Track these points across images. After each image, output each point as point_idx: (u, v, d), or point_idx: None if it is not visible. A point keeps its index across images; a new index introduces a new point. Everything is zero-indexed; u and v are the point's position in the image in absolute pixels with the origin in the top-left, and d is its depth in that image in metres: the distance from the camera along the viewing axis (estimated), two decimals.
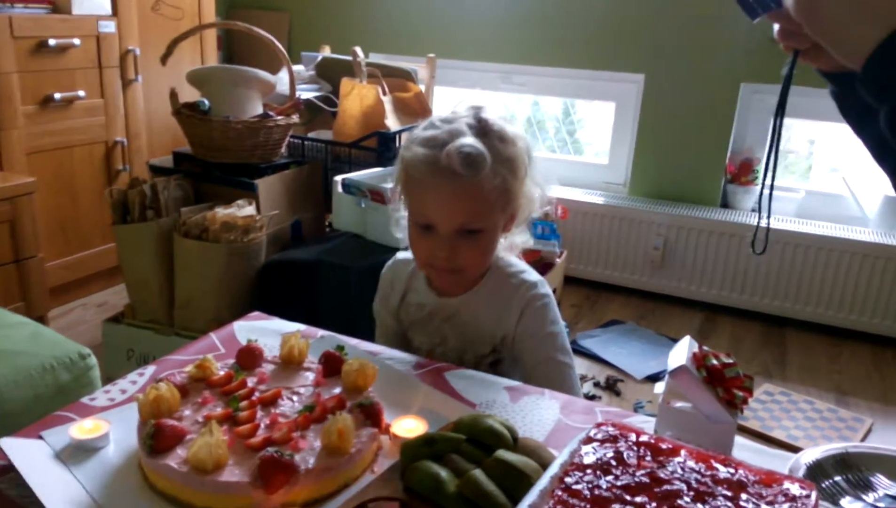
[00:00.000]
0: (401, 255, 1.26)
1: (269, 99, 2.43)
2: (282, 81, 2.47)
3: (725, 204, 3.07)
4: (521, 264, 1.20)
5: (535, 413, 0.93)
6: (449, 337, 1.18)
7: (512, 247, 1.21)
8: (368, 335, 1.20)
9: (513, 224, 1.16)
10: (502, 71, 3.34)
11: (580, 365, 2.50)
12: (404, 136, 1.10)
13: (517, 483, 0.69)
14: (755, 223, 2.90)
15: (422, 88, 2.68)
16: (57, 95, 2.52)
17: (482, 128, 1.08)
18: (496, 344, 1.17)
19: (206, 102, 2.19)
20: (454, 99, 3.51)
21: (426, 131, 1.09)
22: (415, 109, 2.63)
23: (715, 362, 0.81)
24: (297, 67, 2.67)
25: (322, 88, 2.74)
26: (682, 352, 0.81)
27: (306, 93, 2.63)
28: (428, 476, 0.69)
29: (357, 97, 2.48)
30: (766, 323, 2.89)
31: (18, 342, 1.30)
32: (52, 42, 2.47)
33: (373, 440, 0.79)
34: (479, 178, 1.03)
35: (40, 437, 0.82)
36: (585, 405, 0.97)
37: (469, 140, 1.04)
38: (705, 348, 0.84)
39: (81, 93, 2.61)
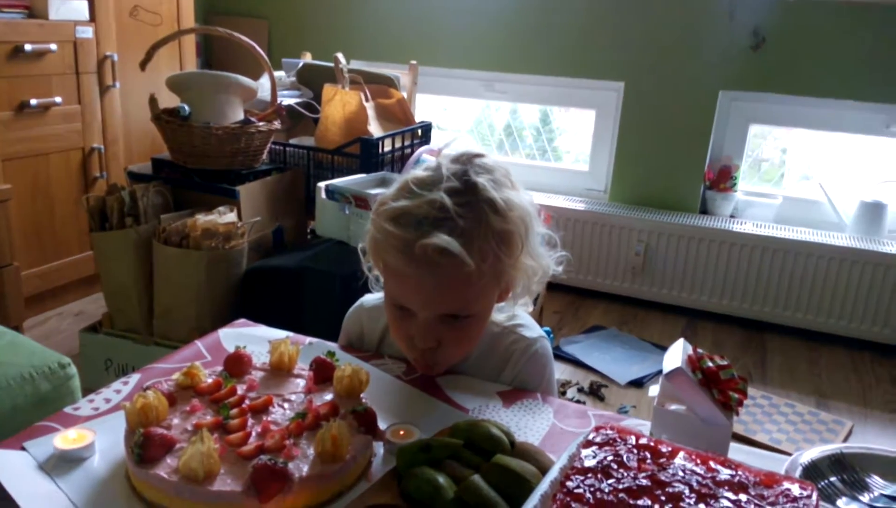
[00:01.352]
0: (368, 302, 1.14)
1: (250, 105, 2.41)
2: (263, 87, 2.46)
3: (704, 210, 3.10)
4: (520, 317, 1.08)
5: (529, 418, 0.93)
6: None
7: (505, 314, 1.06)
8: None
9: (507, 297, 1.01)
10: (484, 78, 3.34)
11: (563, 371, 2.50)
12: (377, 198, 0.97)
13: (517, 488, 0.68)
14: (734, 229, 2.94)
15: (404, 94, 2.67)
16: (33, 102, 2.48)
17: (468, 200, 0.89)
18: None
19: (187, 107, 2.16)
20: (436, 106, 3.52)
21: (399, 201, 0.90)
22: (397, 115, 2.62)
23: (710, 364, 0.81)
24: (277, 74, 2.65)
25: (303, 95, 2.73)
26: (676, 355, 0.81)
27: (288, 99, 2.61)
28: (426, 482, 0.68)
29: (339, 103, 2.47)
30: (746, 328, 2.92)
31: None
32: (28, 47, 2.43)
33: (367, 447, 0.78)
34: (463, 267, 0.86)
35: (23, 448, 0.79)
36: (578, 409, 0.96)
37: (443, 238, 0.85)
38: (700, 350, 0.83)
39: (58, 99, 2.56)
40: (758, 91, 2.91)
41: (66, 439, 0.77)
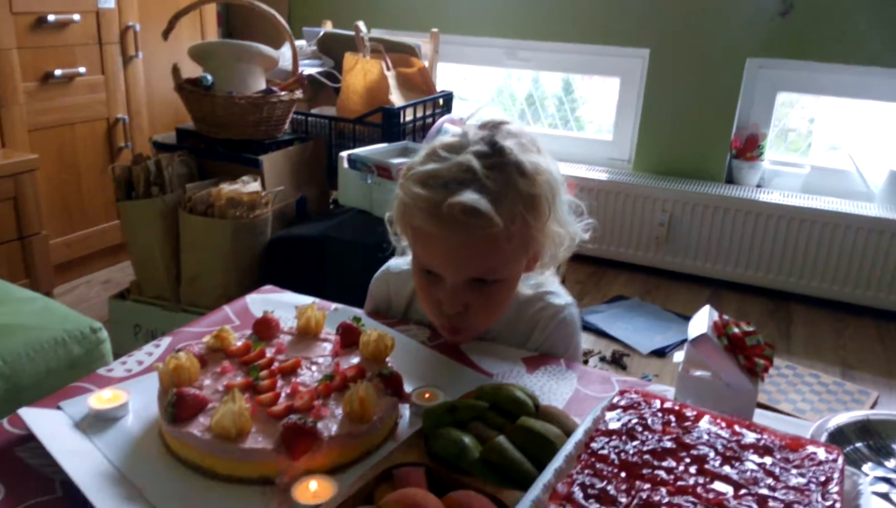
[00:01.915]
0: (395, 267, 1.13)
1: (271, 75, 2.41)
2: (284, 56, 2.45)
3: (731, 179, 3.06)
4: (548, 284, 1.06)
5: (553, 383, 0.93)
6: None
7: (533, 285, 1.05)
8: None
9: (536, 265, 1.00)
10: (506, 46, 3.31)
11: (586, 340, 2.51)
12: (404, 165, 0.98)
13: (541, 449, 0.69)
14: (761, 199, 2.90)
15: (425, 63, 2.65)
16: (57, 72, 2.50)
17: (496, 162, 0.89)
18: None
19: (209, 77, 2.16)
20: (457, 75, 3.49)
21: (427, 165, 0.91)
22: (419, 84, 2.61)
23: (736, 330, 0.81)
24: (298, 43, 2.64)
25: (324, 64, 2.72)
26: (702, 321, 0.81)
27: (308, 68, 2.60)
28: (452, 442, 0.69)
29: (361, 72, 2.46)
30: (771, 298, 2.89)
31: (29, 316, 1.30)
32: (51, 18, 2.44)
33: (393, 409, 0.79)
34: (491, 227, 0.86)
35: (59, 408, 0.81)
36: (602, 375, 0.97)
37: (471, 196, 0.84)
38: (726, 316, 0.83)
39: (82, 69, 2.58)
40: (785, 58, 2.85)
41: (100, 399, 0.79)
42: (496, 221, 0.85)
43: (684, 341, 2.54)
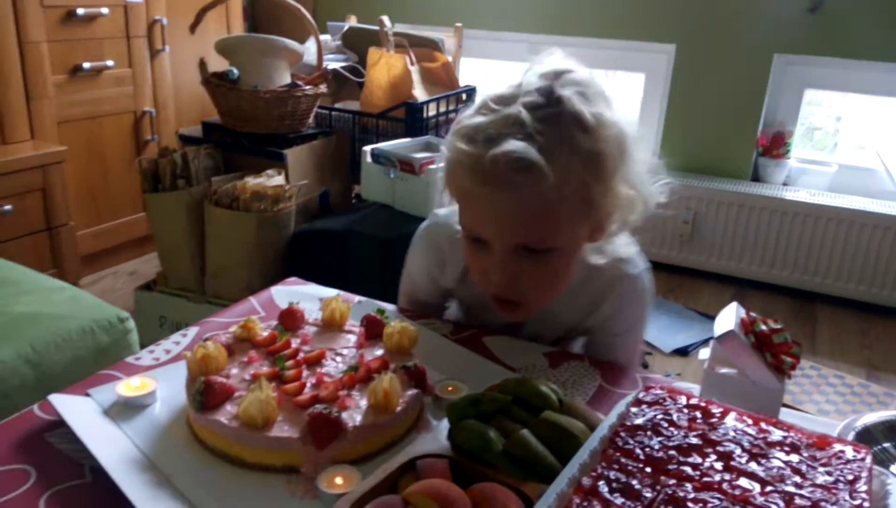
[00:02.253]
0: (442, 221, 1.03)
1: (296, 69, 2.42)
2: (309, 50, 2.46)
3: (756, 178, 3.02)
4: (622, 248, 0.96)
5: (576, 379, 0.93)
6: (524, 325, 1.03)
7: (603, 253, 0.93)
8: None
9: (602, 236, 0.89)
10: (530, 41, 3.29)
11: None
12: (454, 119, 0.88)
13: (565, 443, 0.69)
14: (787, 197, 2.85)
15: (449, 58, 2.65)
16: (86, 65, 2.53)
17: (550, 113, 0.79)
18: (576, 331, 1.04)
19: (236, 71, 2.18)
20: (481, 70, 3.49)
21: (474, 118, 0.82)
22: (442, 79, 2.61)
23: (763, 327, 0.80)
24: (323, 37, 2.65)
25: (348, 59, 2.73)
26: (729, 317, 0.80)
27: (333, 63, 2.61)
28: (475, 434, 0.69)
29: (384, 67, 2.46)
30: (795, 298, 2.86)
31: (58, 305, 1.32)
32: (80, 11, 2.47)
33: (417, 401, 0.79)
34: (542, 185, 0.77)
35: (87, 394, 0.83)
36: (626, 371, 0.96)
37: (516, 144, 0.76)
38: (753, 313, 0.82)
39: (110, 63, 2.61)
40: (814, 55, 2.81)
41: (129, 386, 0.80)
42: (546, 172, 0.76)
43: (707, 340, 2.51)
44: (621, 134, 0.82)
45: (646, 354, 2.39)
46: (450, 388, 0.84)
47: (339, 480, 0.67)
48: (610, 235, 0.90)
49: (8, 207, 2.22)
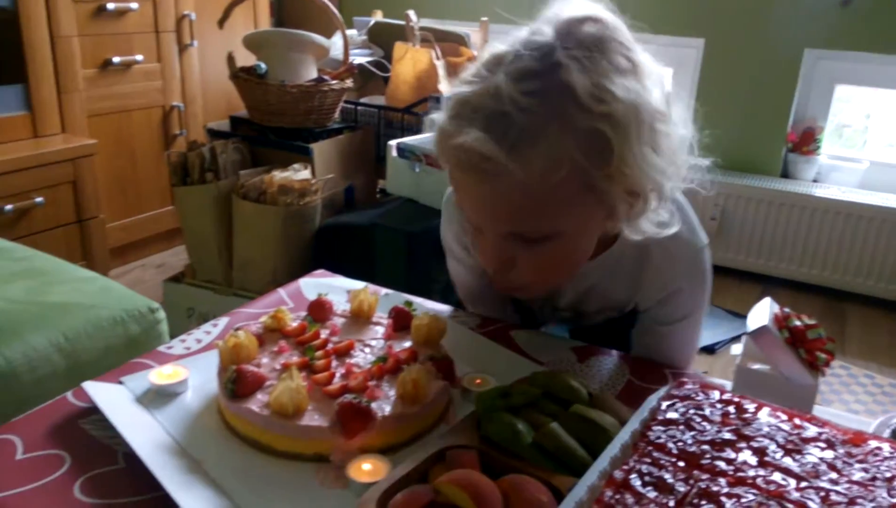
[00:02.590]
0: None
1: (322, 64, 2.43)
2: (335, 45, 2.47)
3: (786, 174, 2.98)
4: (674, 222, 0.80)
5: (604, 373, 0.92)
6: (560, 296, 0.97)
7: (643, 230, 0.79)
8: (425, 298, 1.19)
9: (619, 220, 0.76)
10: None
11: None
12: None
13: (595, 437, 0.68)
14: (817, 194, 2.81)
15: (475, 53, 2.65)
16: (116, 59, 2.56)
17: (539, 86, 0.67)
18: (623, 308, 0.96)
19: (264, 65, 2.20)
20: None
21: (462, 86, 0.72)
22: None
23: (798, 322, 0.79)
24: (348, 32, 2.66)
25: (374, 53, 2.73)
26: (763, 313, 0.79)
27: (359, 58, 2.62)
28: (505, 426, 0.69)
29: (410, 61, 2.46)
30: (825, 297, 2.82)
31: (89, 295, 1.34)
32: (110, 6, 2.50)
33: (445, 392, 0.79)
34: (513, 177, 0.67)
35: (120, 382, 0.84)
36: (655, 366, 0.95)
37: (471, 136, 0.66)
38: (786, 309, 0.81)
39: (139, 57, 2.64)
40: (845, 50, 2.76)
41: (161, 374, 0.81)
42: (509, 168, 0.66)
43: (735, 338, 2.48)
44: (635, 107, 0.68)
45: None
46: (477, 381, 0.84)
47: (368, 469, 0.67)
48: (635, 215, 0.76)
49: (39, 199, 2.26)
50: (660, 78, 0.73)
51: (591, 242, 0.80)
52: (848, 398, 2.11)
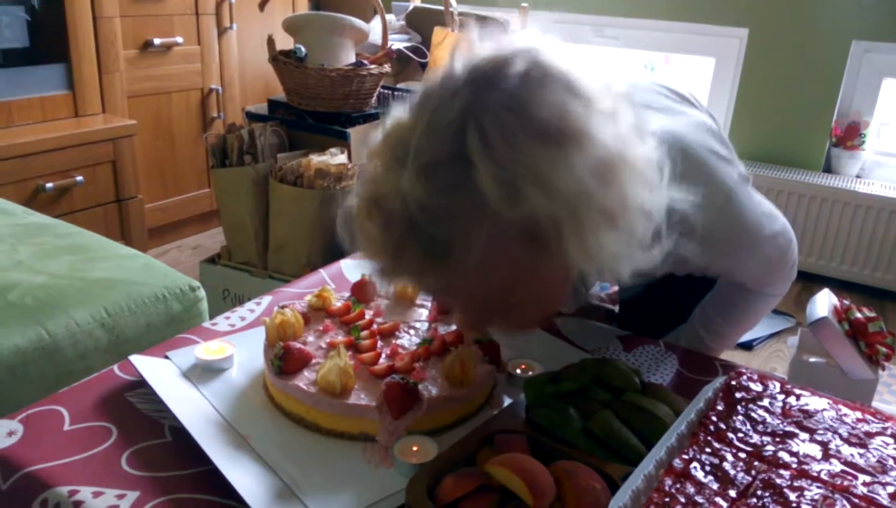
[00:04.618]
0: None
1: (360, 48, 2.42)
2: (374, 30, 2.46)
3: (828, 169, 2.91)
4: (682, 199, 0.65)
5: (652, 363, 0.91)
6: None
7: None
8: None
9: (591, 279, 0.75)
10: (595, 23, 3.23)
11: None
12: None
13: (649, 426, 0.67)
14: (860, 190, 2.73)
15: None
16: (156, 41, 2.58)
17: (454, 180, 0.56)
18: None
19: (303, 49, 2.19)
20: None
21: (372, 168, 0.66)
22: None
23: (858, 315, 0.76)
24: (387, 17, 2.64)
25: (412, 39, 2.71)
26: (822, 304, 0.77)
27: (396, 43, 2.61)
28: (555, 411, 0.68)
29: (449, 47, 2.44)
30: (866, 295, 2.75)
31: (132, 272, 1.35)
32: None
33: (491, 376, 0.78)
34: (466, 277, 0.61)
35: (167, 357, 0.84)
36: (704, 358, 0.93)
37: (408, 280, 0.64)
38: (846, 301, 0.79)
39: (179, 39, 2.66)
40: (894, 42, 2.68)
41: (207, 350, 0.81)
42: (447, 280, 0.61)
43: (772, 335, 2.42)
44: (568, 197, 0.56)
45: None
46: (522, 366, 0.83)
47: (416, 449, 0.66)
48: (612, 275, 0.63)
49: (80, 178, 2.29)
50: (626, 99, 0.61)
51: (563, 288, 0.71)
52: (889, 399, 2.06)
